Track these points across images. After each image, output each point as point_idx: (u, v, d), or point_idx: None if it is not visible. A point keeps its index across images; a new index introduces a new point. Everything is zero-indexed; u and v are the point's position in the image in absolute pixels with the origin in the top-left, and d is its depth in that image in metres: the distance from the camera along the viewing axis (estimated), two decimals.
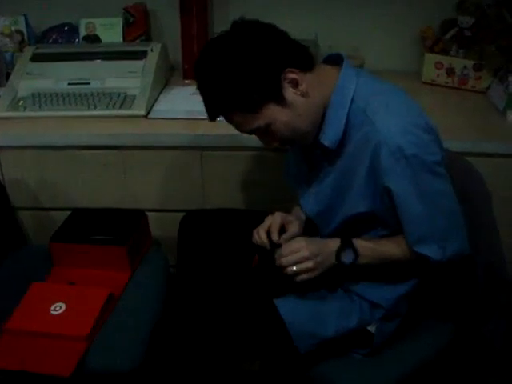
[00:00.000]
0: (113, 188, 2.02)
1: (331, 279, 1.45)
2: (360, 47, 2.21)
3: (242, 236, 1.60)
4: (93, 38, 2.36)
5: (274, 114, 1.29)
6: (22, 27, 2.34)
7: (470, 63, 2.12)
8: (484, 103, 2.07)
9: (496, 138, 1.85)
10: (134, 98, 2.05)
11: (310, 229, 1.55)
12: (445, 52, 2.18)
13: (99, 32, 2.36)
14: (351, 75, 1.34)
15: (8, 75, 2.20)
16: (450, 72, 2.17)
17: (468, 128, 1.90)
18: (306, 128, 1.34)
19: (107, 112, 2.01)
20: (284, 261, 1.38)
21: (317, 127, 1.36)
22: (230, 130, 1.91)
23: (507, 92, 1.93)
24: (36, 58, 2.21)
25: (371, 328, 1.48)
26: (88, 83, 2.11)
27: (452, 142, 1.63)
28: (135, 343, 1.53)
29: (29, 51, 2.24)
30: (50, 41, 2.38)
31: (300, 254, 1.37)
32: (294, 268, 1.36)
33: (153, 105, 2.08)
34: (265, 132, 1.34)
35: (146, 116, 2.01)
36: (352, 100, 1.32)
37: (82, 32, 2.36)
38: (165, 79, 2.28)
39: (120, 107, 2.02)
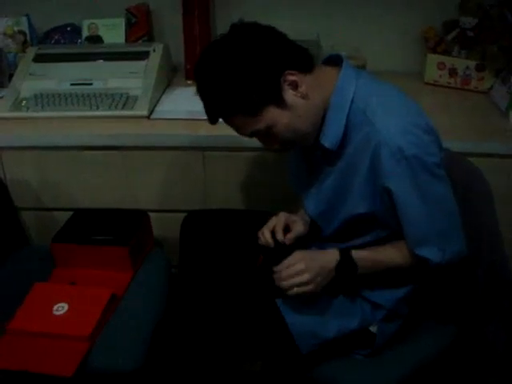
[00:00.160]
0: (115, 188, 2.03)
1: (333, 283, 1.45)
2: (362, 48, 2.20)
3: (243, 236, 1.60)
4: (95, 39, 2.36)
5: (275, 117, 1.29)
6: (25, 28, 2.35)
7: (472, 64, 2.12)
8: (486, 104, 2.07)
9: (498, 139, 1.85)
10: (136, 98, 2.05)
11: (313, 229, 1.56)
12: (447, 52, 2.18)
13: (102, 33, 2.36)
14: (351, 76, 1.34)
15: (11, 76, 2.21)
16: (453, 72, 2.17)
17: (470, 128, 1.90)
18: (307, 129, 1.34)
19: (109, 112, 2.01)
20: (284, 284, 1.37)
21: (317, 128, 1.36)
22: (232, 130, 1.91)
23: (510, 92, 1.93)
24: (38, 59, 2.22)
25: (373, 328, 1.48)
26: (90, 84, 2.11)
27: (454, 143, 1.63)
28: (137, 343, 1.53)
29: (31, 52, 2.25)
30: (53, 41, 2.38)
31: (299, 279, 1.36)
32: (295, 290, 1.36)
33: (155, 105, 2.08)
34: (265, 134, 1.34)
35: (148, 116, 2.01)
36: (352, 101, 1.32)
37: (85, 33, 2.37)
38: (167, 80, 2.28)
39: (122, 108, 2.02)
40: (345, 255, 1.39)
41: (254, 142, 1.87)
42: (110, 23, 2.36)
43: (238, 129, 1.35)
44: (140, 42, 2.36)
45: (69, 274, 1.75)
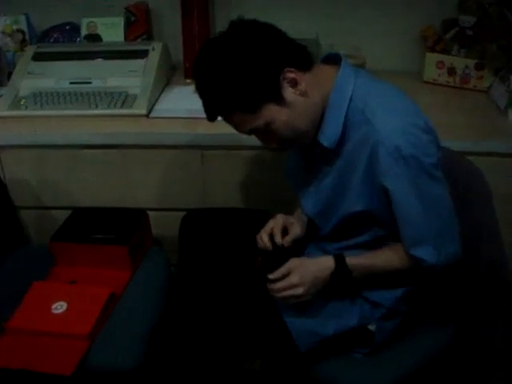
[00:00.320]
0: (114, 187, 2.03)
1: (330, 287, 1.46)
2: (361, 47, 2.20)
3: (242, 235, 1.60)
4: (94, 38, 2.36)
5: (274, 114, 1.29)
6: (24, 26, 2.34)
7: (471, 62, 2.12)
8: (485, 102, 2.07)
9: (497, 137, 1.85)
10: (135, 97, 2.05)
11: (310, 229, 1.56)
12: (446, 51, 2.18)
13: (101, 31, 2.36)
14: (349, 75, 1.34)
15: (9, 74, 2.21)
16: (452, 71, 2.17)
17: (469, 127, 1.90)
18: (306, 127, 1.34)
19: (108, 111, 2.01)
20: (278, 296, 1.40)
21: (316, 126, 1.36)
22: (231, 129, 1.91)
23: (509, 91, 1.93)
24: (37, 57, 2.21)
25: (371, 327, 1.48)
26: (89, 82, 2.11)
27: (453, 142, 1.64)
28: (136, 342, 1.53)
29: (30, 50, 2.25)
30: (52, 40, 2.38)
31: (293, 292, 1.38)
32: (289, 300, 1.40)
33: (154, 104, 2.08)
34: (264, 132, 1.33)
35: (147, 115, 2.01)
36: (350, 100, 1.32)
37: (84, 31, 2.36)
38: (166, 78, 2.28)
39: (121, 106, 2.02)
40: (340, 263, 1.39)
41: (253, 141, 1.86)
42: (109, 22, 2.35)
43: (236, 126, 1.35)
44: (139, 40, 2.36)
45: (68, 273, 1.75)
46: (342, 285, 1.42)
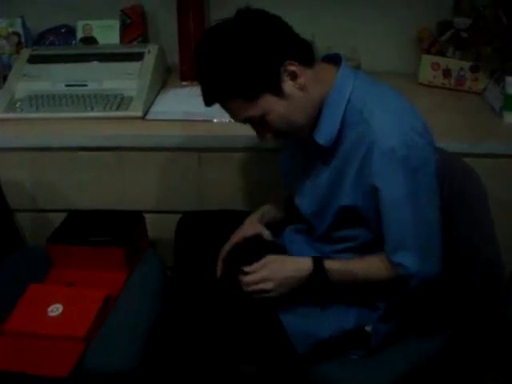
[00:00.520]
0: (110, 189, 2.02)
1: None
2: (357, 48, 2.21)
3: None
4: (90, 40, 2.36)
5: (271, 105, 1.30)
6: (19, 29, 2.34)
7: (466, 64, 2.13)
8: (480, 104, 2.08)
9: (493, 139, 1.86)
10: (131, 99, 2.05)
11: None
12: (441, 53, 2.19)
13: (96, 34, 2.36)
14: (348, 76, 1.35)
15: (5, 77, 2.20)
16: (447, 73, 2.18)
17: (465, 129, 1.91)
18: (301, 121, 1.34)
19: (104, 113, 2.01)
20: (248, 289, 1.42)
21: (312, 122, 1.36)
22: (228, 131, 1.92)
23: (503, 93, 1.93)
24: (33, 60, 2.21)
25: (368, 328, 1.48)
26: (85, 85, 2.11)
27: (449, 143, 1.64)
28: (133, 344, 1.53)
29: (26, 53, 2.25)
30: (47, 43, 2.38)
31: (262, 286, 1.40)
32: (259, 295, 1.41)
33: (150, 106, 2.08)
34: (259, 122, 1.34)
35: (143, 117, 2.01)
36: (349, 100, 1.32)
37: (79, 34, 2.36)
38: (162, 81, 2.28)
39: (117, 109, 2.02)
40: (317, 265, 1.40)
41: (250, 143, 1.88)
42: (105, 24, 2.36)
43: (232, 113, 1.35)
44: (135, 43, 2.36)
45: (64, 275, 1.75)
46: (319, 288, 1.42)
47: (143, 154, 1.96)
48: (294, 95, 1.30)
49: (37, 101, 2.07)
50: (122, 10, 2.34)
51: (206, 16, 2.27)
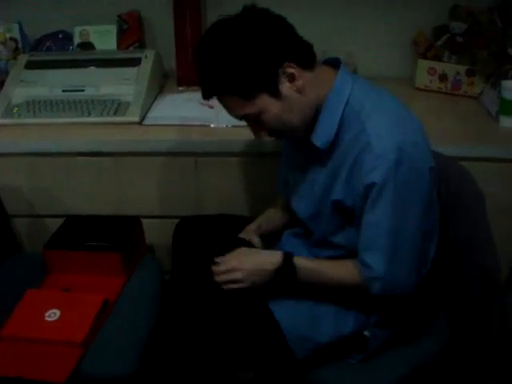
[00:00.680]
0: (107, 195, 2.02)
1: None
2: (353, 53, 2.22)
3: (236, 242, 1.60)
4: (87, 46, 2.36)
5: (266, 105, 1.30)
6: (17, 35, 2.34)
7: (462, 69, 2.13)
8: (477, 108, 2.08)
9: (489, 143, 1.86)
10: (128, 104, 2.05)
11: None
12: (437, 58, 2.19)
13: (93, 39, 2.36)
14: (347, 80, 1.36)
15: (2, 83, 2.20)
16: (443, 78, 2.18)
17: (461, 133, 1.91)
18: (295, 123, 1.35)
19: (101, 119, 2.01)
20: (217, 279, 1.45)
21: (307, 123, 1.37)
22: (224, 136, 1.92)
23: (499, 97, 1.94)
24: (30, 66, 2.22)
25: (366, 333, 1.48)
26: (82, 90, 2.11)
27: (446, 147, 1.65)
28: (131, 349, 1.53)
29: (23, 59, 2.25)
30: (45, 48, 2.38)
31: (231, 276, 1.43)
32: (230, 285, 1.44)
33: (147, 112, 2.08)
34: (254, 120, 1.35)
35: (140, 123, 2.01)
36: (347, 102, 1.33)
37: (77, 39, 2.37)
38: (159, 86, 2.28)
39: (114, 114, 2.02)
40: (287, 260, 1.42)
41: (247, 148, 1.88)
42: (102, 30, 2.36)
43: (229, 109, 1.36)
44: (131, 48, 2.36)
45: (61, 281, 1.75)
46: (286, 283, 1.43)
47: (140, 158, 1.96)
48: (291, 97, 1.31)
49: (34, 106, 2.07)
50: (118, 16, 2.35)
51: (203, 22, 2.28)
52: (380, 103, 1.34)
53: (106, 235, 1.79)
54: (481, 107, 2.08)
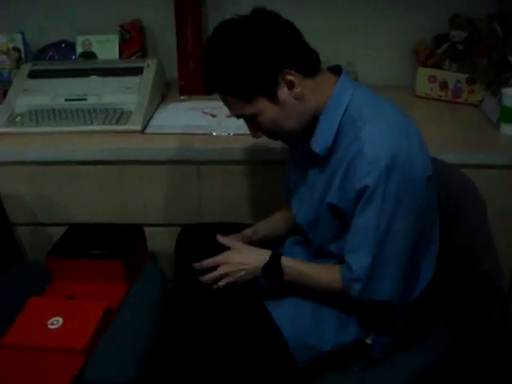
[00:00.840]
0: (110, 203, 2.03)
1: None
2: (354, 61, 2.23)
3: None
4: (89, 55, 2.38)
5: (264, 108, 1.32)
6: (20, 45, 2.36)
7: (462, 77, 2.14)
8: (477, 116, 2.09)
9: (490, 150, 1.87)
10: (130, 113, 2.06)
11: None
12: (438, 66, 2.21)
13: (95, 49, 2.38)
14: (348, 86, 1.36)
15: (6, 92, 2.22)
16: (444, 86, 2.19)
17: (462, 140, 1.92)
18: (292, 127, 1.37)
19: (104, 127, 2.02)
20: (207, 277, 1.47)
21: (304, 128, 1.38)
22: (227, 144, 1.93)
23: (500, 105, 1.95)
24: (33, 75, 2.23)
25: (368, 340, 1.48)
26: (85, 99, 2.12)
27: (447, 155, 1.66)
28: (133, 356, 1.53)
29: (26, 68, 2.26)
30: (47, 58, 2.40)
31: (220, 270, 1.46)
32: (219, 283, 1.47)
33: (149, 120, 2.09)
34: (251, 120, 1.37)
35: (142, 131, 2.02)
36: (345, 110, 1.34)
37: (79, 49, 2.38)
38: (161, 95, 2.29)
39: (116, 122, 2.03)
40: (274, 259, 1.44)
41: (249, 156, 1.88)
42: (104, 39, 2.37)
43: (228, 107, 1.39)
44: (133, 57, 2.38)
45: (64, 288, 1.75)
46: (273, 282, 1.45)
47: (143, 167, 1.97)
48: (289, 103, 1.33)
49: (37, 115, 2.08)
50: (121, 26, 2.36)
51: (205, 31, 2.29)
52: (378, 111, 1.35)
53: (109, 243, 1.80)
54: (481, 115, 2.09)
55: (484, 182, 1.55)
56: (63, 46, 2.41)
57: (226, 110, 1.43)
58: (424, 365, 1.53)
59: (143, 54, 2.41)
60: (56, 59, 2.40)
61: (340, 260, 1.41)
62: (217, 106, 2.01)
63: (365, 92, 1.39)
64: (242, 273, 1.45)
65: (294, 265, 1.45)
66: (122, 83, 2.17)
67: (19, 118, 2.08)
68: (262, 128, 1.39)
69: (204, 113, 2.11)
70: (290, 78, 1.30)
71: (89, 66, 2.28)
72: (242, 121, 1.43)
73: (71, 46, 2.40)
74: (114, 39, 2.37)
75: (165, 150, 1.94)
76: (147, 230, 1.93)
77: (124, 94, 2.13)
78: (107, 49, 2.37)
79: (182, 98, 2.30)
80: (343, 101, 1.34)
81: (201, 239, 1.76)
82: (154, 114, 2.15)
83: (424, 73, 2.22)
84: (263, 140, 1.47)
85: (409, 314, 1.50)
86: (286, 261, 1.44)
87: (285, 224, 1.69)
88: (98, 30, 2.37)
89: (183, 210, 2.02)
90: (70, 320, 1.58)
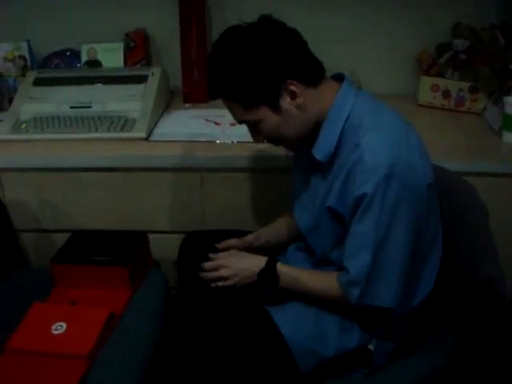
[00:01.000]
0: (114, 210, 2.04)
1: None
2: (357, 70, 2.24)
3: None
4: (94, 63, 2.40)
5: (265, 116, 1.34)
6: (25, 52, 2.38)
7: (465, 85, 2.15)
8: (480, 124, 2.10)
9: (492, 158, 1.88)
10: (134, 121, 2.07)
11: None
12: (440, 75, 2.21)
13: (100, 57, 2.39)
14: (350, 94, 1.37)
15: (11, 99, 2.23)
16: (446, 94, 2.20)
17: (465, 149, 1.93)
18: (293, 135, 1.39)
19: (108, 135, 2.03)
20: (205, 276, 1.50)
21: (305, 136, 1.40)
22: (230, 152, 1.93)
23: (502, 113, 1.95)
24: (38, 83, 2.25)
25: (371, 346, 1.47)
26: (90, 107, 2.14)
27: (449, 163, 1.67)
28: (136, 362, 1.53)
29: (31, 76, 2.28)
30: (53, 66, 2.42)
31: (221, 272, 1.48)
32: (218, 283, 1.49)
33: (153, 128, 2.10)
34: (252, 126, 1.39)
35: (146, 139, 2.03)
36: (347, 117, 1.35)
37: (84, 57, 2.40)
38: (165, 103, 2.30)
39: (121, 130, 2.04)
40: (270, 265, 1.45)
41: (253, 164, 1.89)
42: (109, 48, 2.39)
43: (230, 112, 1.41)
44: (138, 66, 2.39)
45: (68, 294, 1.75)
46: (267, 288, 1.47)
47: (146, 174, 1.98)
48: (290, 112, 1.34)
49: (42, 122, 2.09)
50: (126, 34, 2.38)
51: (209, 40, 2.30)
52: (379, 119, 1.35)
53: (113, 250, 1.80)
54: (484, 123, 2.10)
55: (486, 190, 1.55)
56: (68, 54, 2.43)
57: (229, 118, 1.45)
58: (427, 371, 1.53)
59: (148, 62, 2.43)
60: (61, 67, 2.42)
61: (340, 268, 1.42)
62: (220, 113, 2.03)
63: (366, 100, 1.40)
64: (240, 277, 1.47)
65: (289, 271, 1.45)
66: (126, 91, 2.18)
67: (24, 125, 2.10)
68: (262, 134, 1.41)
69: (208, 121, 2.12)
70: (292, 88, 1.31)
71: (94, 74, 2.30)
72: (245, 129, 1.45)
73: (76, 54, 2.42)
74: (119, 47, 2.39)
75: (169, 158, 1.95)
76: (151, 236, 1.93)
77: (128, 101, 2.14)
78: (112, 57, 2.38)
79: (186, 105, 2.32)
80: (345, 109, 1.35)
81: (204, 246, 1.76)
82: (158, 121, 2.16)
83: (426, 82, 2.23)
84: (266, 148, 1.49)
85: (411, 321, 1.50)
86: (282, 267, 1.45)
87: (287, 230, 1.70)
88: (102, 38, 2.39)
89: (186, 216, 2.03)
90: (74, 325, 1.58)
